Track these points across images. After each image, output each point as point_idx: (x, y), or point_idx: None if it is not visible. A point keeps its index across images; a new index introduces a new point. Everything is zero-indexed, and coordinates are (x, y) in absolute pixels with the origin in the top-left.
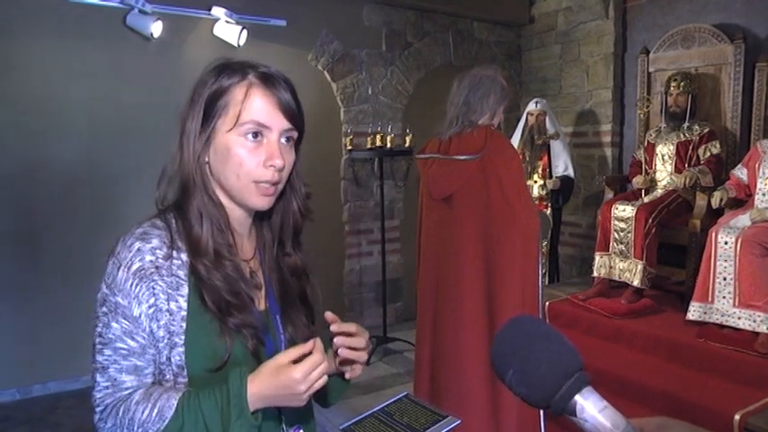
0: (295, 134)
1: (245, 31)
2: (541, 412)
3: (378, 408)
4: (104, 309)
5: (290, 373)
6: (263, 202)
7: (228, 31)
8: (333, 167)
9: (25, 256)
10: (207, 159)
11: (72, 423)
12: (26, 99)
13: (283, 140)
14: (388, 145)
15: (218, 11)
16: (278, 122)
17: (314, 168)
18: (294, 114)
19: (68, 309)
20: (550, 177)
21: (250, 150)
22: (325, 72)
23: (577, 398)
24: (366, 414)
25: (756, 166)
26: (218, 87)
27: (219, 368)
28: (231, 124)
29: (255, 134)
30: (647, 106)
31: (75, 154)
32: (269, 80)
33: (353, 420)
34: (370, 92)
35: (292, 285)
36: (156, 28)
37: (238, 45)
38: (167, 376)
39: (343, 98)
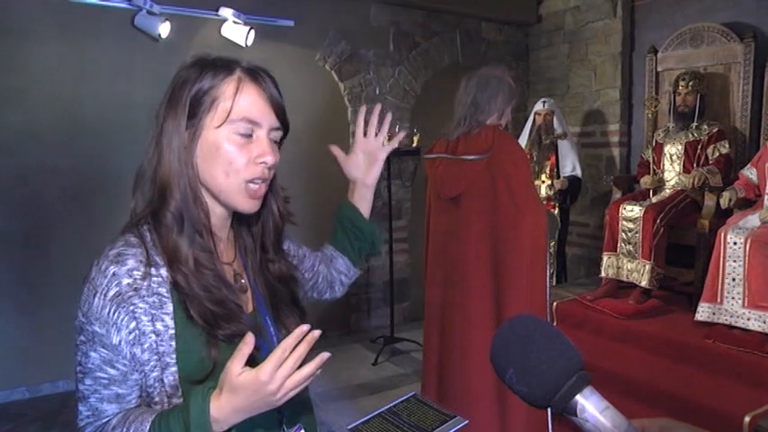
0: (280, 133)
1: (252, 32)
2: (549, 412)
3: (385, 408)
4: (82, 338)
5: (256, 377)
6: (250, 206)
7: (236, 31)
8: (340, 167)
9: (34, 255)
10: (194, 159)
11: None
12: (36, 99)
13: (271, 137)
14: (396, 145)
15: (225, 11)
16: (268, 119)
17: (321, 168)
18: (282, 110)
19: (77, 307)
20: (558, 177)
21: (240, 147)
22: (333, 72)
23: (578, 398)
24: (374, 414)
25: (766, 165)
26: (205, 84)
27: (202, 380)
28: (221, 120)
29: (249, 131)
30: (656, 106)
31: (85, 153)
32: (257, 75)
33: (361, 420)
34: (377, 92)
35: (280, 289)
36: (164, 29)
37: (246, 45)
38: (156, 399)
39: (351, 98)
